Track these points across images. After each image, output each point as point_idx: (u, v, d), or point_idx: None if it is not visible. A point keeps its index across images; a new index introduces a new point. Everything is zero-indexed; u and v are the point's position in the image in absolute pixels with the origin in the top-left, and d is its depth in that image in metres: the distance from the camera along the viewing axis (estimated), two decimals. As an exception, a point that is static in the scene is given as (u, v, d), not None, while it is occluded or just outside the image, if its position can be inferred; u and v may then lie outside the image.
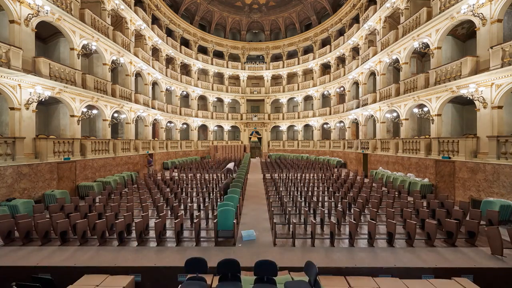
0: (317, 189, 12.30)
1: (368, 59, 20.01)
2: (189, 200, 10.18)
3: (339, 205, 9.41)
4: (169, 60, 27.22)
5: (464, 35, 14.43)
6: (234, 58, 33.31)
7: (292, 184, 13.70)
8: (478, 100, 10.63)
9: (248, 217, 8.59)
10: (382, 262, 5.33)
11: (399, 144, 15.05)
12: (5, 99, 10.32)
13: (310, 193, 10.78)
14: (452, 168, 11.05)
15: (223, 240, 6.58)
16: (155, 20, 23.94)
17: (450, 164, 11.15)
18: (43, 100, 11.22)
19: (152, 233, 6.95)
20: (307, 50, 31.89)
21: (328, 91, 27.83)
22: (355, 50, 24.45)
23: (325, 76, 28.32)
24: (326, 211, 8.54)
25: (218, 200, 10.43)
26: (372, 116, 20.06)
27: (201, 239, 6.69)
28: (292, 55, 33.08)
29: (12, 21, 10.36)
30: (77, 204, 9.10)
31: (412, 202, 9.26)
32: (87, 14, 14.07)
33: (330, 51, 27.07)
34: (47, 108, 14.20)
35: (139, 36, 21.21)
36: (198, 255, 5.68)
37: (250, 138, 33.10)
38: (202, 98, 31.51)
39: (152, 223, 7.38)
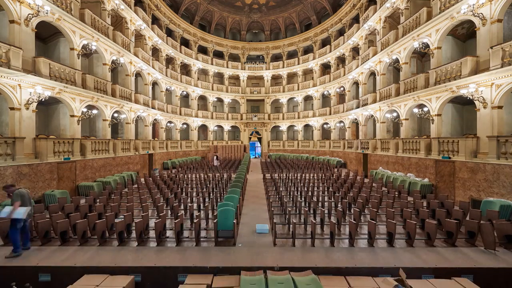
0: (317, 189, 12.30)
1: (368, 59, 20.01)
2: (189, 200, 10.19)
3: (339, 205, 9.41)
4: (169, 60, 27.22)
5: (464, 35, 14.43)
6: (234, 58, 33.31)
7: (292, 184, 13.70)
8: (478, 100, 10.63)
9: (248, 217, 8.59)
10: (382, 262, 5.33)
11: (399, 144, 15.06)
12: (5, 99, 10.32)
13: (310, 193, 10.79)
14: (452, 168, 11.06)
15: (223, 240, 6.58)
16: (155, 20, 23.94)
17: (450, 164, 11.16)
18: (43, 100, 11.22)
19: (152, 233, 6.95)
20: (307, 50, 31.89)
21: (328, 91, 27.84)
22: (355, 50, 24.46)
23: (325, 76, 28.33)
24: (326, 211, 8.54)
25: (218, 200, 10.43)
26: (372, 116, 20.06)
27: (201, 239, 6.69)
28: (292, 55, 33.08)
29: (12, 21, 10.36)
30: (77, 204, 9.10)
31: (412, 202, 9.26)
32: (87, 14, 14.07)
33: (330, 51, 27.07)
34: (47, 108, 14.20)
35: (139, 36, 21.21)
36: (198, 255, 5.70)
37: (250, 138, 33.11)
38: (202, 98, 31.52)
39: (152, 223, 7.38)
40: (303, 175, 15.93)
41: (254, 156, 34.49)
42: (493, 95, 10.20)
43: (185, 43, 29.05)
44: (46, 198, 10.11)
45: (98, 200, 9.62)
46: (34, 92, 10.67)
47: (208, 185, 13.38)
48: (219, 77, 33.32)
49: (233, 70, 32.12)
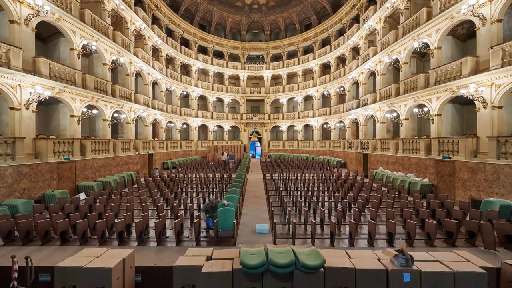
0: (317, 189, 12.30)
1: (368, 59, 20.01)
2: (189, 200, 10.19)
3: (339, 205, 9.42)
4: (169, 60, 27.21)
5: (464, 35, 14.43)
6: (234, 58, 33.30)
7: (292, 184, 13.70)
8: (478, 100, 10.64)
9: (248, 217, 8.59)
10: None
11: (399, 144, 15.06)
12: (5, 99, 10.32)
13: (310, 193, 10.79)
14: (452, 168, 11.06)
15: (223, 240, 6.58)
16: (155, 20, 23.94)
17: (450, 164, 11.16)
18: (43, 100, 11.22)
19: (152, 233, 6.95)
20: (307, 50, 31.89)
21: (328, 91, 27.84)
22: (355, 50, 24.45)
23: (325, 76, 28.33)
24: (326, 211, 8.54)
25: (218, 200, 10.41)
26: (372, 116, 20.06)
27: (201, 239, 6.69)
28: (292, 55, 33.08)
29: (12, 21, 10.36)
30: (77, 204, 9.10)
31: (412, 202, 9.26)
32: (87, 14, 14.07)
33: (330, 51, 27.07)
34: (47, 108, 14.20)
35: (139, 36, 21.21)
36: (198, 255, 5.68)
37: (250, 138, 33.10)
38: (202, 98, 31.51)
39: (152, 223, 7.38)
40: (303, 175, 15.93)
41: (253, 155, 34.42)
42: (493, 95, 10.20)
43: (185, 43, 29.05)
44: (46, 198, 10.11)
45: (98, 200, 9.62)
46: (34, 92, 10.67)
47: (208, 185, 13.39)
48: (219, 77, 33.32)
49: (233, 70, 32.12)
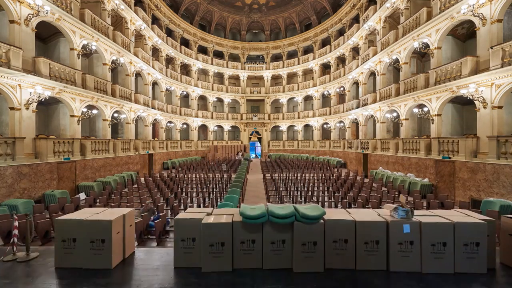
0: (317, 189, 12.30)
1: (368, 59, 20.01)
2: (189, 200, 10.19)
3: (339, 205, 9.42)
4: (169, 60, 27.22)
5: (464, 35, 14.44)
6: (234, 58, 33.31)
7: (292, 184, 13.70)
8: (478, 100, 10.64)
9: (248, 217, 8.56)
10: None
11: (399, 144, 15.06)
12: (5, 99, 10.32)
13: (310, 193, 10.79)
14: (452, 168, 11.06)
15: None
16: (155, 20, 23.94)
17: (450, 164, 11.16)
18: (43, 100, 11.22)
19: (152, 233, 6.95)
20: (307, 50, 31.89)
21: (328, 91, 27.84)
22: (355, 50, 24.45)
23: (325, 76, 28.33)
24: (326, 211, 8.52)
25: (218, 200, 10.43)
26: (372, 116, 20.07)
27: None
28: (292, 55, 33.08)
29: (12, 21, 10.37)
30: (77, 204, 9.10)
31: (412, 202, 9.26)
32: (87, 14, 14.07)
33: (330, 51, 27.07)
34: (47, 108, 14.20)
35: (139, 36, 21.21)
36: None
37: (250, 138, 33.11)
38: (202, 98, 31.52)
39: (152, 223, 7.36)
40: (303, 175, 15.93)
41: (253, 156, 34.41)
42: (493, 95, 10.20)
43: (185, 43, 29.06)
44: (46, 198, 10.11)
45: (98, 200, 9.61)
46: (34, 92, 10.67)
47: (208, 185, 13.39)
48: (219, 77, 33.32)
49: (233, 70, 32.12)
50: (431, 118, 13.60)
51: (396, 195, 10.87)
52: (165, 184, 13.07)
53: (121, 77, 19.01)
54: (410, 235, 3.07)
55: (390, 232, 3.08)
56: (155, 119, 22.70)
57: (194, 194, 11.74)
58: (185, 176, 16.14)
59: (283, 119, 32.24)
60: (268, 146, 32.68)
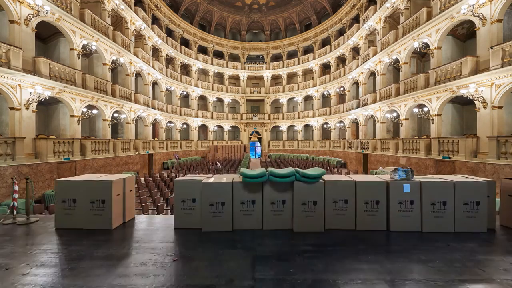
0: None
1: (368, 59, 19.99)
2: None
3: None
4: (169, 60, 27.19)
5: (464, 35, 14.41)
6: (234, 58, 33.27)
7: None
8: (478, 100, 10.63)
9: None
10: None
11: (399, 144, 15.05)
12: (5, 99, 10.31)
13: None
14: (452, 168, 11.05)
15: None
16: (155, 20, 23.91)
17: (450, 164, 11.16)
18: (43, 100, 11.21)
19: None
20: (307, 50, 31.85)
21: (328, 91, 27.81)
22: (355, 50, 24.42)
23: (325, 76, 28.30)
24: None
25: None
26: (372, 116, 20.06)
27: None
28: (292, 55, 33.04)
29: (12, 21, 10.35)
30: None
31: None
32: (87, 14, 14.05)
33: (330, 51, 27.03)
34: (47, 108, 14.19)
35: (139, 36, 21.19)
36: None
37: (250, 138, 33.09)
38: (202, 98, 31.49)
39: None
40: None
41: (253, 157, 34.41)
42: (493, 95, 10.20)
43: (185, 43, 29.02)
44: (46, 198, 10.10)
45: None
46: (34, 92, 10.66)
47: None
48: (219, 77, 33.29)
49: (233, 70, 32.09)
50: (431, 118, 13.59)
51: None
52: (165, 184, 13.07)
53: (121, 77, 18.99)
54: (410, 194, 3.08)
55: (391, 192, 3.09)
56: (155, 119, 22.69)
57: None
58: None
59: (283, 119, 32.22)
60: (268, 146, 32.67)
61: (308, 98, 31.87)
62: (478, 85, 10.61)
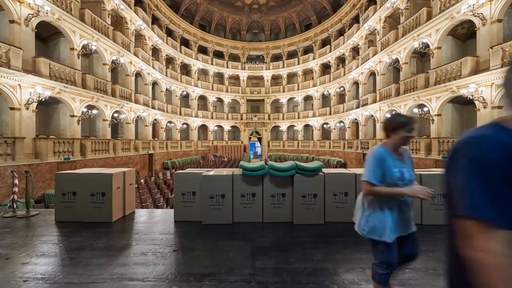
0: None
1: (368, 59, 20.01)
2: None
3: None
4: (169, 60, 27.22)
5: (464, 35, 14.44)
6: (234, 58, 33.31)
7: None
8: (478, 100, 10.64)
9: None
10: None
11: (399, 144, 15.02)
12: (5, 99, 10.32)
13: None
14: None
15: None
16: (155, 20, 23.96)
17: (450, 163, 11.14)
18: (43, 100, 11.22)
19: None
20: (307, 50, 31.89)
21: (328, 91, 27.83)
22: (355, 50, 24.46)
23: (325, 76, 28.32)
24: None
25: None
26: (372, 116, 20.06)
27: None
28: (292, 55, 33.09)
29: (12, 21, 10.36)
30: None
31: (412, 201, 9.24)
32: (87, 14, 14.08)
33: (330, 51, 27.07)
34: (47, 108, 14.20)
35: (139, 36, 21.22)
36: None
37: (250, 138, 33.09)
38: (202, 98, 31.51)
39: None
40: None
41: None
42: (493, 95, 10.21)
43: (185, 43, 29.07)
44: (46, 198, 10.09)
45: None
46: (34, 92, 10.67)
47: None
48: (219, 77, 33.33)
49: (233, 70, 32.12)
50: (431, 118, 13.60)
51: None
52: (165, 184, 13.06)
53: (121, 77, 19.01)
54: None
55: None
56: (155, 119, 22.70)
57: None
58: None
59: (283, 119, 32.22)
60: (268, 146, 32.66)
61: (308, 98, 31.89)
62: (478, 85, 10.62)
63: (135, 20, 19.32)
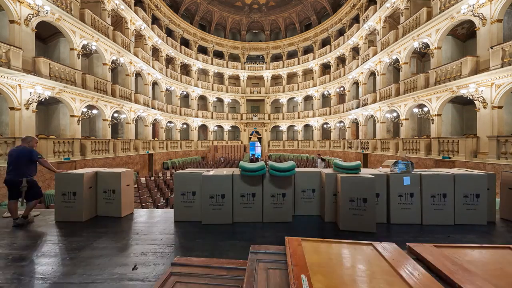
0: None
1: (368, 59, 20.02)
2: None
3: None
4: (169, 60, 27.23)
5: (464, 35, 14.44)
6: (234, 58, 33.32)
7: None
8: (478, 100, 10.64)
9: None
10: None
11: (399, 144, 15.06)
12: (5, 99, 10.32)
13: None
14: (452, 168, 11.04)
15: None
16: (155, 20, 23.96)
17: (450, 164, 11.15)
18: (43, 100, 11.23)
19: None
20: (307, 50, 31.89)
21: (328, 91, 27.84)
22: (355, 50, 24.46)
23: (325, 76, 28.32)
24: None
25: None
26: (372, 116, 20.07)
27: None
28: (292, 55, 33.09)
29: (12, 21, 10.37)
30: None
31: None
32: (87, 14, 14.08)
33: (330, 51, 27.07)
34: (47, 108, 14.20)
35: (139, 36, 21.23)
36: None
37: (250, 138, 33.09)
38: (202, 98, 31.51)
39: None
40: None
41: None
42: (493, 95, 10.21)
43: (185, 43, 29.07)
44: (46, 198, 10.08)
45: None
46: (34, 92, 10.68)
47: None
48: (219, 77, 33.33)
49: (233, 70, 32.12)
50: (431, 118, 13.60)
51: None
52: (165, 184, 13.07)
53: (121, 77, 19.01)
54: (410, 187, 3.07)
55: (391, 185, 3.08)
56: (155, 119, 22.71)
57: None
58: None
59: (283, 119, 32.22)
60: (268, 146, 32.66)
61: (308, 98, 31.89)
62: (478, 85, 10.62)
63: (135, 20, 19.32)
